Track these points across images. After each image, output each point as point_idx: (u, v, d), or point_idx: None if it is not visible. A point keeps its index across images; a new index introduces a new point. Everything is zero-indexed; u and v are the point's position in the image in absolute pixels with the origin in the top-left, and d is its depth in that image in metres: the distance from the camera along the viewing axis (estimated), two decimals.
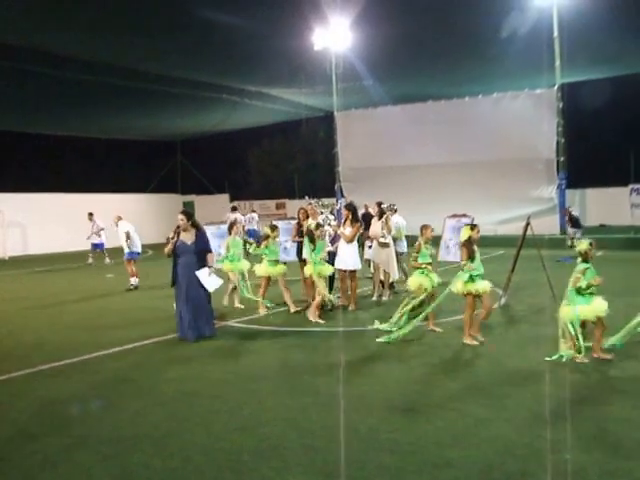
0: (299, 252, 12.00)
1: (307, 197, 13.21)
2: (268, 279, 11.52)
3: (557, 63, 23.08)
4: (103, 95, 24.24)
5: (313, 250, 10.67)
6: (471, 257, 8.28)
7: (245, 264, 11.85)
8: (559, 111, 23.92)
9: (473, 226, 8.65)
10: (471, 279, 8.24)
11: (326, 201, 12.33)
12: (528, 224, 11.30)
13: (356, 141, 28.49)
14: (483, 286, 8.29)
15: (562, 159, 23.87)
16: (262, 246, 11.51)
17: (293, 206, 30.81)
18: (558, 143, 23.93)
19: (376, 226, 12.25)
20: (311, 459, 4.82)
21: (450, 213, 14.64)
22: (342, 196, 29.68)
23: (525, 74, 23.88)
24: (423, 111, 26.77)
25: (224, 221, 17.57)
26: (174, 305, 9.58)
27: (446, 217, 15.12)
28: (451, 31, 20.74)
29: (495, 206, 23.10)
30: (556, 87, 23.92)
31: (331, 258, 11.35)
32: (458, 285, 8.36)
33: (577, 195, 25.41)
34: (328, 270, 10.89)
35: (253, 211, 28.58)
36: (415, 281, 9.13)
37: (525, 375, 6.88)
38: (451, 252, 15.34)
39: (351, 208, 11.63)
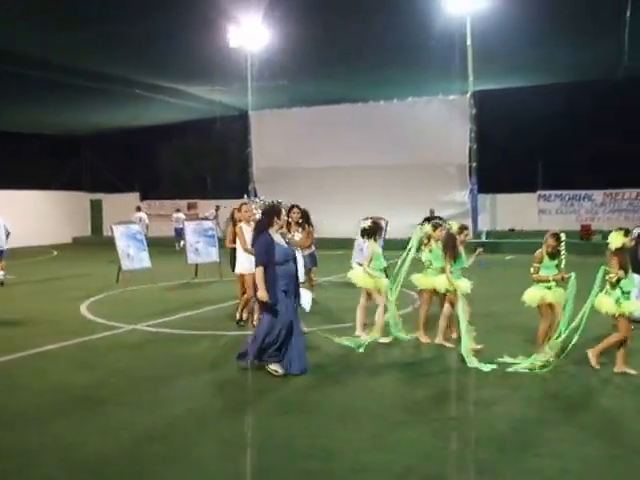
0: (234, 260, 10.19)
1: (246, 196, 12.40)
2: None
3: (470, 71, 23.71)
4: (1, 85, 23.04)
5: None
6: (455, 258, 8.31)
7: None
8: (471, 117, 24.61)
9: (462, 228, 8.72)
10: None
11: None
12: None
13: (270, 141, 28.33)
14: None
15: (474, 164, 24.56)
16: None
17: (205, 206, 30.39)
18: (470, 149, 24.62)
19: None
20: (225, 467, 4.70)
21: (364, 216, 14.65)
22: (256, 197, 29.47)
23: (439, 80, 24.38)
24: (338, 113, 26.91)
25: (133, 221, 17.19)
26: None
27: (360, 219, 15.18)
28: (367, 34, 20.91)
29: (409, 209, 23.46)
30: (469, 94, 24.59)
31: None
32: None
33: (488, 200, 26.16)
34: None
35: (178, 210, 28.05)
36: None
37: (442, 379, 6.98)
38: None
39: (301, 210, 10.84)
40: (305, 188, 25.86)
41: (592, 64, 22.44)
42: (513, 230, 25.64)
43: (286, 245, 7.23)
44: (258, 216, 10.10)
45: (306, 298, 7.70)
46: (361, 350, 8.15)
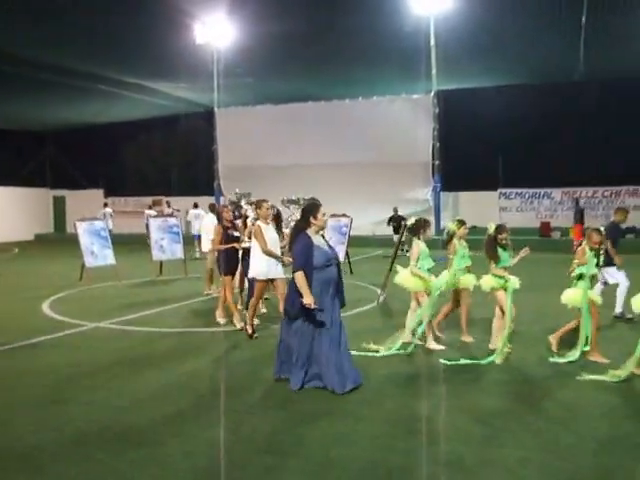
0: (232, 263, 9.54)
1: (237, 191, 11.19)
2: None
3: (433, 71, 23.90)
4: None
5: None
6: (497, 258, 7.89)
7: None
8: (435, 116, 24.84)
9: (460, 222, 8.49)
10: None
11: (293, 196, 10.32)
12: (405, 225, 11.55)
13: (236, 139, 28.24)
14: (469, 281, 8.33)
15: (437, 163, 24.79)
16: None
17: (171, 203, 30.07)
18: (434, 147, 24.87)
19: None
20: (192, 464, 4.64)
21: (329, 213, 14.81)
22: (221, 194, 29.34)
23: (404, 79, 24.55)
24: (303, 111, 26.92)
25: (98, 217, 16.95)
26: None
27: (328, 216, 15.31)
28: (332, 34, 20.92)
29: (373, 207, 23.58)
30: (432, 93, 24.80)
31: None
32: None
33: (450, 198, 26.42)
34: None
35: (150, 207, 27.73)
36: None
37: (405, 373, 7.00)
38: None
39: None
40: (270, 185, 25.80)
41: (551, 66, 22.78)
42: (475, 227, 25.87)
43: (327, 247, 6.38)
44: (251, 214, 9.82)
45: None
46: (408, 351, 7.81)
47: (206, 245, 12.87)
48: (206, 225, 13.17)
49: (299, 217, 6.67)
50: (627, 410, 5.80)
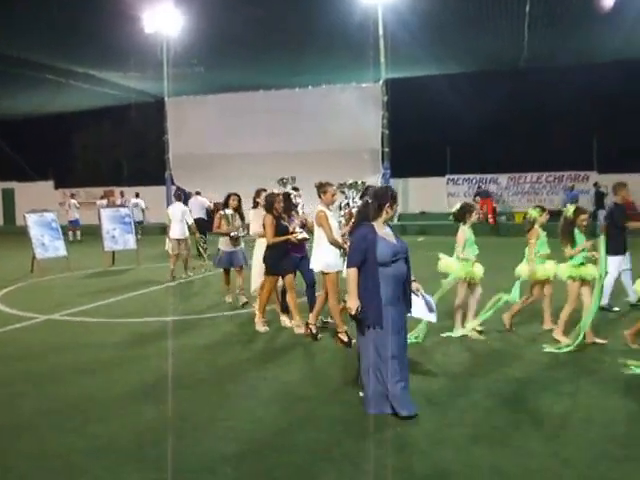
0: (284, 260, 8.24)
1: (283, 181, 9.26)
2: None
3: (382, 59, 23.99)
4: None
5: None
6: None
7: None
8: (384, 104, 24.94)
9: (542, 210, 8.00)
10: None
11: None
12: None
13: (187, 128, 27.85)
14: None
15: (387, 150, 24.92)
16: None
17: (123, 193, 29.60)
18: (383, 135, 24.97)
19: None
20: (145, 454, 4.58)
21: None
22: (172, 184, 29.00)
23: (353, 68, 24.60)
24: (254, 100, 26.69)
25: (47, 209, 16.58)
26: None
27: None
28: (282, 22, 20.83)
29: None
30: (381, 82, 24.89)
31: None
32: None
33: (400, 184, 26.62)
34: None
35: (102, 198, 27.30)
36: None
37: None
38: None
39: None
40: (221, 175, 25.64)
41: (497, 54, 23.11)
42: (424, 213, 26.25)
43: (395, 240, 5.26)
44: (299, 201, 8.95)
45: (420, 307, 5.68)
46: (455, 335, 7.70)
47: (174, 232, 13.17)
48: (174, 213, 13.30)
49: (367, 203, 5.46)
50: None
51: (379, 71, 24.44)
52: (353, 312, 5.10)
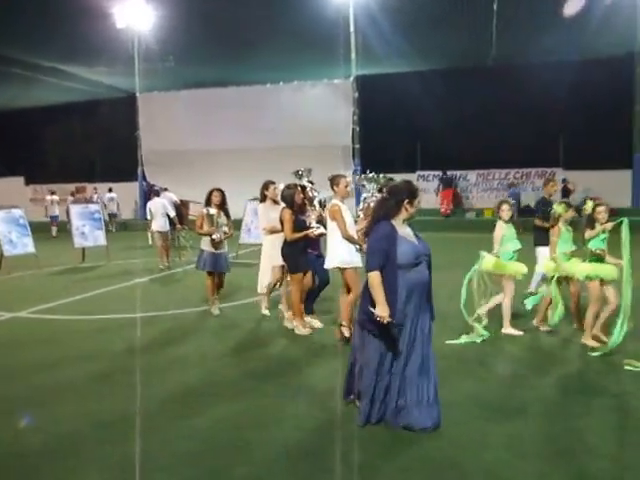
0: (303, 257, 7.94)
1: (299, 174, 8.57)
2: None
3: (353, 56, 24.06)
4: None
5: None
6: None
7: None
8: (354, 101, 25.02)
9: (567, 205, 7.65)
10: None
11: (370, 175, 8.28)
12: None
13: (159, 124, 27.69)
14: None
15: (357, 146, 25.02)
16: None
17: (92, 190, 29.30)
18: (354, 131, 25.06)
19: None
20: (107, 453, 4.55)
21: (251, 197, 14.91)
22: (145, 180, 28.82)
23: (325, 64, 24.56)
24: (226, 96, 26.62)
25: (15, 205, 16.35)
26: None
27: (247, 200, 15.38)
28: (253, 17, 20.74)
29: None
30: (352, 78, 24.96)
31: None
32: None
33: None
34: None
35: (72, 194, 27.03)
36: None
37: (317, 353, 7.09)
38: (252, 234, 15.55)
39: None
40: (193, 171, 25.60)
41: (466, 51, 23.24)
42: None
43: (416, 241, 4.74)
44: (317, 195, 8.45)
45: None
46: (478, 341, 7.30)
47: (157, 225, 14.23)
48: (155, 207, 14.37)
49: (384, 199, 4.94)
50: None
51: (350, 67, 24.51)
52: (386, 320, 4.49)
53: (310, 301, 8.31)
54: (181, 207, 18.54)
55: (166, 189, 19.00)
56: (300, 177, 8.37)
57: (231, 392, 5.79)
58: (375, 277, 4.55)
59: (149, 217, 14.51)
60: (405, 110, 24.61)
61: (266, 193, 8.78)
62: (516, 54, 23.07)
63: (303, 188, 8.14)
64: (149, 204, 14.74)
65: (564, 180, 22.74)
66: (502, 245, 7.51)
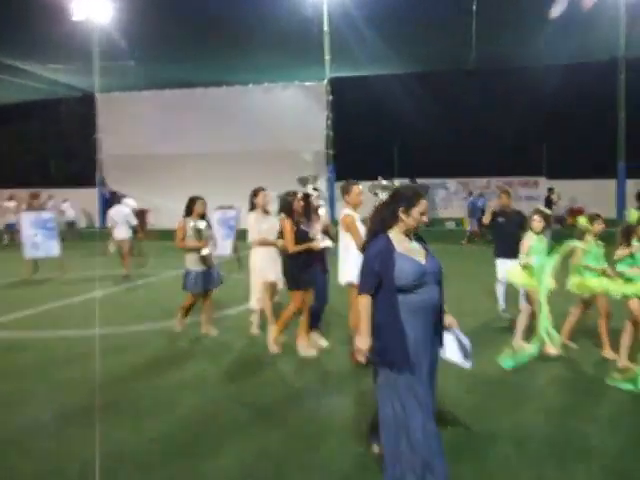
0: (308, 272, 7.50)
1: (303, 180, 8.13)
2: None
3: (327, 57, 24.02)
4: None
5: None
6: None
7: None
8: (328, 104, 24.98)
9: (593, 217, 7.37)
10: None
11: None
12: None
13: (120, 126, 27.37)
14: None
15: (331, 152, 24.95)
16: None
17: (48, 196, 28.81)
18: (328, 136, 24.99)
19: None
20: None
21: (218, 204, 14.72)
22: (104, 186, 28.45)
23: (296, 66, 24.55)
24: (192, 97, 26.46)
25: None
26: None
27: (213, 209, 15.17)
28: (222, 15, 20.65)
29: None
30: (326, 81, 24.91)
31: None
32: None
33: None
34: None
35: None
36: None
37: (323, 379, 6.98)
38: (217, 246, 15.34)
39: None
40: (157, 177, 25.34)
41: (445, 54, 23.38)
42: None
43: (422, 258, 4.08)
44: (322, 203, 8.05)
45: (452, 349, 4.32)
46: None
47: (119, 233, 14.41)
48: (117, 215, 14.55)
49: (380, 207, 4.38)
50: None
51: (324, 69, 24.46)
52: (361, 357, 3.97)
53: (316, 319, 7.95)
54: (140, 215, 18.49)
55: (127, 196, 18.76)
56: (305, 184, 8.02)
57: (233, 431, 5.37)
58: (363, 302, 4.01)
59: (110, 225, 14.65)
60: (382, 115, 24.73)
61: (255, 201, 8.31)
62: (498, 57, 23.24)
63: (307, 196, 7.76)
64: (110, 212, 14.88)
65: (549, 190, 22.89)
66: (528, 257, 7.36)
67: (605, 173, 23.46)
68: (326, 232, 7.76)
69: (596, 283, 7.06)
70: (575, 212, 24.47)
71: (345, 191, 7.23)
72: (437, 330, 4.11)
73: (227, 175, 24.66)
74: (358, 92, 24.99)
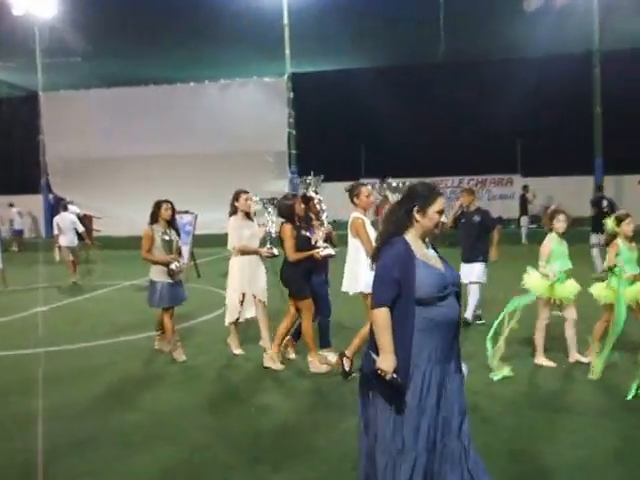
0: (308, 279, 7.38)
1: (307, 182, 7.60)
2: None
3: (287, 51, 23.67)
4: None
5: None
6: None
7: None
8: (289, 101, 24.59)
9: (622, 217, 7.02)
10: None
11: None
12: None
13: (66, 127, 26.70)
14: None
15: (293, 152, 24.56)
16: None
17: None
18: (289, 135, 24.60)
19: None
20: None
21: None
22: (50, 191, 27.76)
23: (255, 61, 24.21)
24: (144, 96, 25.93)
25: None
26: None
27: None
28: (173, 7, 20.30)
29: (222, 202, 22.93)
30: (286, 76, 24.54)
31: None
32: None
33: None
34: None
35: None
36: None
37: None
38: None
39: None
40: (106, 179, 24.79)
41: (412, 47, 23.21)
42: (334, 222, 26.04)
43: (442, 266, 3.69)
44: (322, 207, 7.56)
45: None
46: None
47: (65, 240, 14.81)
48: (63, 222, 14.88)
49: (394, 208, 3.96)
50: None
51: (284, 64, 24.10)
52: (389, 376, 3.45)
53: (325, 335, 7.63)
54: (85, 221, 18.63)
55: (71, 202, 18.34)
56: (307, 187, 7.56)
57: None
58: (382, 315, 3.56)
59: (57, 232, 14.99)
60: (347, 111, 24.45)
61: (237, 205, 7.88)
62: (468, 49, 23.12)
63: (309, 199, 7.45)
64: (56, 218, 15.21)
65: (524, 187, 22.83)
66: (549, 263, 6.99)
67: (582, 169, 23.47)
68: (328, 239, 7.43)
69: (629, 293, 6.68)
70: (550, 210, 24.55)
71: (354, 193, 6.95)
72: (452, 350, 3.68)
73: (182, 178, 24.12)
74: (322, 88, 24.65)
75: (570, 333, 7.08)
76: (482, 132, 23.53)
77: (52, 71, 25.04)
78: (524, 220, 22.33)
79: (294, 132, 24.58)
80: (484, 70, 22.54)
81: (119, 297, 13.25)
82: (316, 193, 7.57)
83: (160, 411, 6.08)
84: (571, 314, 7.04)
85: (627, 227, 6.85)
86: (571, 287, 6.98)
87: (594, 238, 13.89)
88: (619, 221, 6.89)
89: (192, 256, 15.54)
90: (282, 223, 7.28)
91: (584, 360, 6.95)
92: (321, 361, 7.24)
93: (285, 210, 7.29)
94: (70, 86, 26.76)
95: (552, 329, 7.31)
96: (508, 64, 22.51)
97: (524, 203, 22.54)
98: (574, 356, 7.09)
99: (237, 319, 7.90)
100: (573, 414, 5.73)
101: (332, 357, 7.37)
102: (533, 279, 7.05)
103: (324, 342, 7.59)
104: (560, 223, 7.10)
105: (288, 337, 7.70)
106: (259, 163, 24.14)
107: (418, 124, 24.17)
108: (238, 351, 7.99)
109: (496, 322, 6.79)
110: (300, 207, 7.31)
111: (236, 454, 5.04)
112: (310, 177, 7.49)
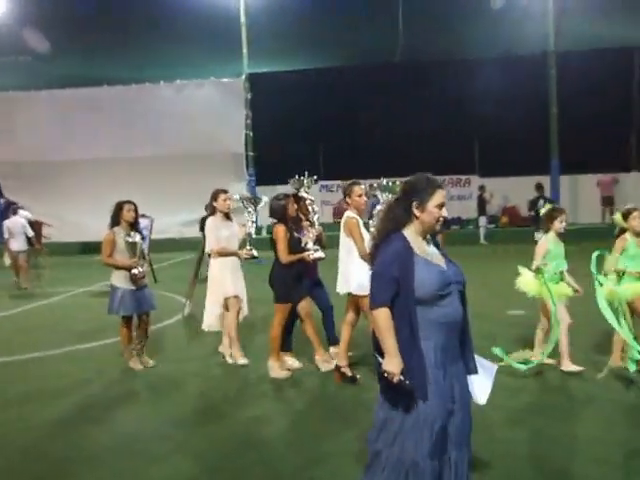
0: (298, 284, 7.33)
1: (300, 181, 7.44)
2: None
3: (244, 50, 23.59)
4: None
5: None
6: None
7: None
8: (247, 102, 24.47)
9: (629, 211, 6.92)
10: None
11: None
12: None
13: (18, 130, 26.20)
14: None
15: (251, 154, 24.44)
16: None
17: None
18: (247, 137, 24.46)
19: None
20: None
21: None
22: (2, 196, 27.23)
23: (212, 61, 24.05)
24: (97, 97, 25.50)
25: None
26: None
27: None
28: (127, 5, 20.12)
29: (179, 206, 22.79)
30: (244, 77, 24.43)
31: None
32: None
33: (268, 193, 26.10)
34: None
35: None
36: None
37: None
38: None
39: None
40: (58, 183, 24.42)
41: (370, 46, 23.31)
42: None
43: (443, 263, 3.60)
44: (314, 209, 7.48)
45: (483, 384, 3.69)
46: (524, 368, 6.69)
47: (15, 245, 15.07)
48: (14, 226, 15.21)
49: (392, 203, 3.86)
50: None
51: (241, 64, 24.01)
52: (396, 379, 3.38)
53: (331, 332, 7.67)
54: (35, 227, 18.23)
55: (22, 207, 18.14)
56: (299, 187, 7.42)
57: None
58: (383, 316, 3.45)
59: (7, 236, 15.20)
60: (305, 112, 24.42)
61: (215, 205, 7.86)
62: (426, 50, 23.33)
63: (299, 199, 7.41)
64: (6, 223, 15.46)
65: (480, 188, 23.10)
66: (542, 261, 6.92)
67: (539, 170, 23.83)
68: (318, 241, 7.34)
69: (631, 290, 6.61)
70: (509, 211, 24.90)
71: (347, 192, 6.96)
72: (464, 350, 3.64)
73: (138, 181, 23.79)
74: (280, 89, 24.61)
75: (563, 339, 6.93)
76: (440, 133, 23.72)
77: (1, 71, 24.58)
78: (482, 220, 22.68)
79: (251, 134, 24.46)
80: (442, 70, 22.73)
81: (73, 304, 13.10)
82: (307, 193, 7.51)
83: (123, 423, 6.01)
84: (564, 317, 6.93)
85: (634, 222, 6.77)
86: (564, 288, 6.98)
87: (537, 235, 14.44)
88: (627, 216, 6.84)
89: (149, 261, 15.46)
90: (274, 224, 7.23)
91: (574, 369, 6.86)
92: (327, 360, 7.27)
93: (278, 211, 7.21)
94: (20, 87, 26.27)
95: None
96: (466, 64, 22.76)
97: (482, 203, 22.84)
98: (567, 365, 6.92)
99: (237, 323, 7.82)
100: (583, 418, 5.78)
101: (294, 362, 7.51)
102: (527, 279, 7.08)
103: (332, 340, 7.60)
104: (558, 223, 7.05)
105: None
106: (216, 166, 23.96)
107: (376, 125, 24.28)
108: (243, 361, 7.73)
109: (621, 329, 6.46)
110: (293, 207, 7.28)
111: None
112: (304, 178, 7.39)
